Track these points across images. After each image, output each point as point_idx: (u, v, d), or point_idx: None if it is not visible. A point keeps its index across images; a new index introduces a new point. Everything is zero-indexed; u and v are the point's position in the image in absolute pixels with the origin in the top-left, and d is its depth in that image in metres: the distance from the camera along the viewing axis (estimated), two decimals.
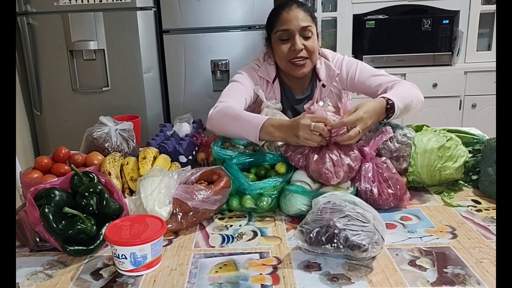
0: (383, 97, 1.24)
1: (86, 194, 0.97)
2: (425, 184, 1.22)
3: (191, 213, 1.03)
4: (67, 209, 0.93)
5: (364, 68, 1.56)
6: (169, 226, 1.01)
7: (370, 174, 1.13)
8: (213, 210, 1.06)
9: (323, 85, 1.58)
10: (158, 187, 1.03)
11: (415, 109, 1.37)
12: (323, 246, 0.87)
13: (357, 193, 1.12)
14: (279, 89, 1.62)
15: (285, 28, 1.50)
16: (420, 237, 0.99)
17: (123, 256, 0.86)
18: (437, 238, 0.98)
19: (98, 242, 0.95)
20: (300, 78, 1.58)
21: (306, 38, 1.51)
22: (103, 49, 2.50)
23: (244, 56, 2.55)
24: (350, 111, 1.16)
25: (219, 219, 1.11)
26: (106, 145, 1.35)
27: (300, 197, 1.07)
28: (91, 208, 0.96)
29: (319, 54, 1.61)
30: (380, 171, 1.13)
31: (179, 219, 1.03)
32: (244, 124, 1.29)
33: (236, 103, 1.44)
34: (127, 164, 1.23)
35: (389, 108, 1.23)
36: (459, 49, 2.78)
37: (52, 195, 0.95)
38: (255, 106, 1.55)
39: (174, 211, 1.03)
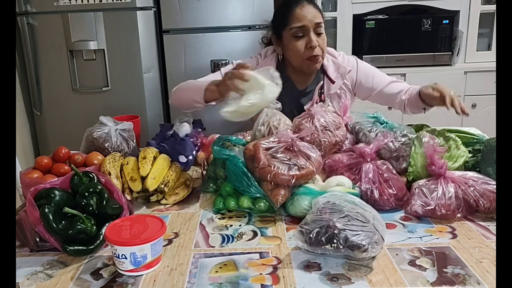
0: None
1: (86, 194, 0.97)
2: None
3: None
4: (67, 209, 0.93)
5: (380, 75, 1.62)
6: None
7: (370, 175, 1.12)
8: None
9: (332, 81, 1.61)
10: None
11: None
12: (323, 247, 0.87)
13: None
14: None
15: (301, 24, 1.50)
16: (420, 237, 0.99)
17: (123, 256, 0.86)
18: (437, 238, 0.98)
19: (98, 242, 0.95)
20: (309, 73, 1.61)
21: (319, 34, 1.52)
22: (103, 49, 2.50)
23: (244, 56, 2.52)
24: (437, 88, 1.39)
25: (219, 219, 1.11)
26: (106, 145, 1.35)
27: (308, 198, 1.06)
28: (91, 208, 0.96)
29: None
30: (380, 172, 1.13)
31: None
32: (195, 88, 1.39)
33: None
34: (127, 164, 1.23)
35: None
36: (459, 49, 2.78)
37: (52, 195, 0.95)
38: None
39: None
